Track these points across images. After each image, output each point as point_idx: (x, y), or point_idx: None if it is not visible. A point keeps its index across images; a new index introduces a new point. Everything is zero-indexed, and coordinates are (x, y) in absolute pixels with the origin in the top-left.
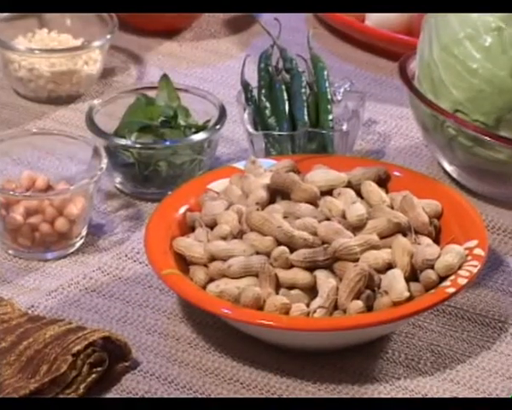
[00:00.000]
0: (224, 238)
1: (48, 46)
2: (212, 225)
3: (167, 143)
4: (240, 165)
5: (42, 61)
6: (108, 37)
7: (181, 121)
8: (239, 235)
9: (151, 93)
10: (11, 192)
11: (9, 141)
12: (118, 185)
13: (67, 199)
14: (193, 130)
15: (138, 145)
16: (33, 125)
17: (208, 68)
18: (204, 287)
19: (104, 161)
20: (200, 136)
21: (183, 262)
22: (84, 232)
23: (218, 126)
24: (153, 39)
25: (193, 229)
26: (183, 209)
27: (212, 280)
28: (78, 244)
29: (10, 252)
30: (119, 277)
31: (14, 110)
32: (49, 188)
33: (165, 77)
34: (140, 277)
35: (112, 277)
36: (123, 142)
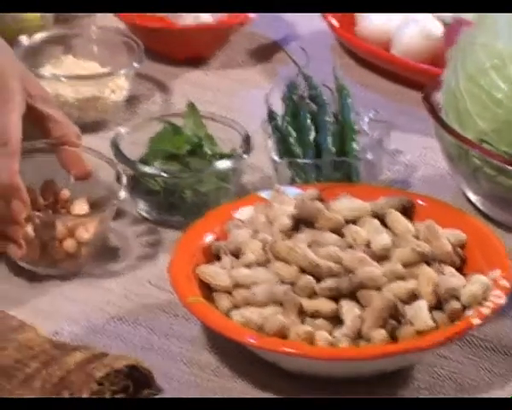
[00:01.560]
0: (249, 266)
1: (74, 73)
2: (236, 253)
3: (193, 171)
4: (265, 193)
5: (67, 87)
6: (135, 64)
7: (207, 150)
8: (263, 263)
9: (177, 121)
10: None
11: (35, 153)
12: (143, 212)
13: (80, 221)
14: (218, 158)
15: (164, 173)
16: None
17: (234, 97)
18: (228, 315)
19: (123, 193)
20: (226, 164)
21: (208, 290)
22: (95, 256)
23: (243, 155)
24: (179, 67)
25: (217, 257)
26: (207, 237)
27: (236, 308)
28: (97, 269)
29: (21, 265)
30: (144, 304)
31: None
32: (68, 202)
33: (191, 105)
34: (164, 304)
35: (136, 304)
36: (149, 170)
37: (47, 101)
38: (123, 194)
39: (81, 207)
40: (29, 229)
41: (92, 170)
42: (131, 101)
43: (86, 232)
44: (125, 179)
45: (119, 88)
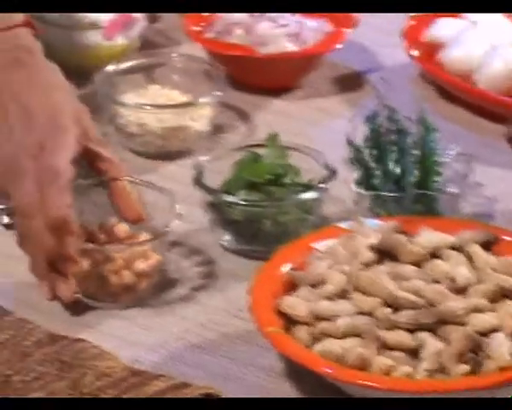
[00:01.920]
0: (329, 298)
1: (156, 102)
2: (317, 285)
3: (274, 201)
4: (346, 225)
5: (151, 116)
6: (217, 93)
7: (288, 180)
8: (343, 295)
9: (259, 151)
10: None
11: (93, 188)
12: (223, 242)
13: (137, 253)
14: (300, 189)
15: (245, 203)
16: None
17: (316, 127)
18: (307, 346)
19: (177, 222)
20: (308, 195)
21: (287, 321)
22: (155, 287)
23: (325, 186)
24: (262, 97)
25: (298, 288)
26: (288, 268)
27: (315, 340)
28: (172, 298)
29: (79, 296)
30: (223, 333)
31: (123, 164)
32: (129, 237)
33: (273, 135)
34: (243, 333)
35: (215, 333)
36: (230, 199)
37: (101, 142)
38: (177, 223)
39: (145, 238)
40: (85, 263)
41: (145, 213)
42: (214, 130)
43: (144, 263)
44: (179, 209)
45: (202, 117)
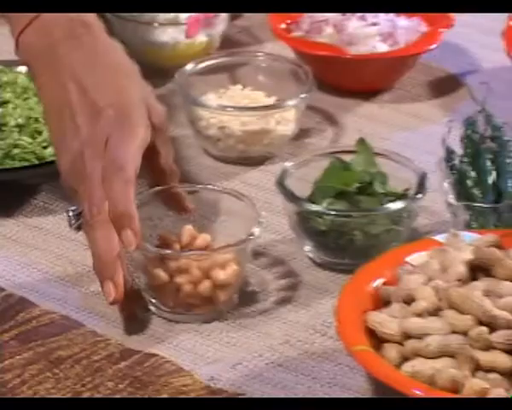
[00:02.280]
0: (420, 315)
1: (239, 104)
2: (407, 301)
3: (363, 211)
4: (439, 237)
5: (233, 119)
6: (304, 96)
7: (378, 188)
8: (436, 312)
9: (347, 157)
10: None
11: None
12: (308, 253)
13: (216, 262)
14: (391, 198)
15: (332, 212)
16: (220, 186)
17: (408, 133)
18: (397, 366)
19: (258, 229)
20: (399, 205)
21: (376, 339)
22: (234, 300)
23: (418, 195)
24: (351, 100)
25: (387, 303)
26: (377, 282)
27: (405, 359)
28: (253, 312)
29: (153, 309)
30: (307, 351)
31: (201, 169)
32: (208, 246)
33: (362, 141)
34: (329, 352)
35: (298, 350)
36: (316, 208)
37: (162, 132)
38: (257, 231)
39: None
40: (162, 274)
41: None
42: (299, 134)
43: (223, 273)
44: (261, 218)
45: (287, 120)
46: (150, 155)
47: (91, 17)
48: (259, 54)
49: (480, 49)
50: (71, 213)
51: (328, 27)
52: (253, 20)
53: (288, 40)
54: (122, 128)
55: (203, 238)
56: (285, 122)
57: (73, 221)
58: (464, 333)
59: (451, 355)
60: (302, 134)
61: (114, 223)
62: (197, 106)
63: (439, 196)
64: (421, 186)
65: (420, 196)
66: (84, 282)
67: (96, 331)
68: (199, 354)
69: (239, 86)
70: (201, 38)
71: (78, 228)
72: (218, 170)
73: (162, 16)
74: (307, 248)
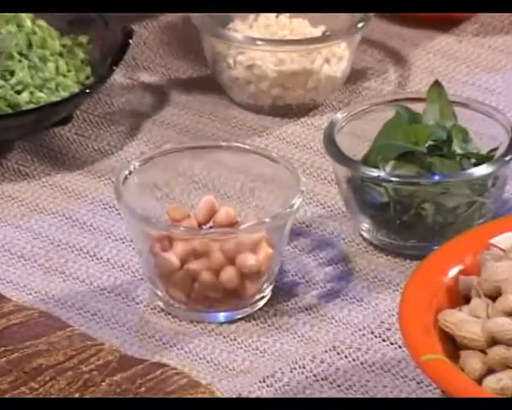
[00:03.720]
0: (511, 314)
1: (275, 36)
2: (494, 296)
3: (437, 177)
4: None
5: (266, 55)
6: (360, 25)
7: (457, 148)
8: None
9: (416, 106)
10: (158, 225)
11: (188, 154)
12: (364, 233)
13: (244, 244)
14: (473, 161)
15: (396, 179)
16: (249, 144)
17: (497, 75)
18: (480, 380)
19: (298, 200)
20: (483, 170)
21: (453, 345)
22: (266, 293)
23: (508, 157)
24: (421, 31)
25: (468, 299)
26: (454, 271)
27: (491, 371)
28: (284, 311)
29: (160, 304)
30: (361, 361)
31: (225, 122)
32: (233, 223)
33: (436, 85)
34: (390, 362)
35: (351, 361)
36: (374, 173)
37: None
38: (298, 202)
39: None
40: (173, 258)
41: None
42: (354, 77)
43: (252, 257)
44: (302, 183)
45: (337, 58)
46: None
47: None
48: None
49: None
50: None
51: None
52: None
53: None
54: None
55: (226, 212)
56: (335, 61)
57: None
58: None
59: None
60: (358, 77)
61: None
62: (218, 38)
63: None
64: None
65: (511, 157)
66: (71, 268)
67: (85, 333)
68: (220, 365)
69: (274, 13)
70: None
71: None
72: (247, 123)
73: None
74: (363, 226)
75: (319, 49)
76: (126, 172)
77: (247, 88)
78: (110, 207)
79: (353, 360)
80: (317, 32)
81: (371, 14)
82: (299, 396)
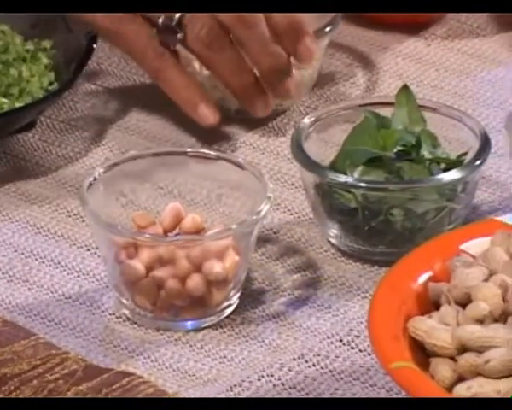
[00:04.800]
0: (481, 321)
1: None
2: (464, 302)
3: (405, 182)
4: (506, 218)
5: None
6: (327, 29)
7: (426, 153)
8: (502, 318)
9: (384, 111)
10: (123, 231)
11: (154, 161)
12: (332, 239)
13: (210, 251)
14: (442, 166)
15: (364, 184)
16: (215, 150)
17: (467, 79)
18: (450, 388)
19: (266, 206)
20: (453, 175)
21: (422, 352)
22: (233, 300)
23: (478, 162)
24: (390, 35)
25: (438, 306)
26: (423, 278)
27: (461, 379)
28: (259, 315)
29: (125, 312)
30: (330, 369)
31: (191, 128)
32: (199, 230)
33: (405, 89)
34: (359, 370)
35: (319, 369)
36: (342, 178)
37: None
38: (265, 210)
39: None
40: (138, 265)
41: None
42: (321, 81)
43: (218, 265)
44: (268, 187)
45: None
46: None
47: None
48: None
49: None
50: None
51: None
52: None
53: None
54: None
55: (192, 219)
56: (302, 64)
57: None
58: None
59: None
60: (325, 80)
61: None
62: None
63: (507, 163)
64: (483, 150)
65: (481, 162)
66: (35, 276)
67: (50, 342)
68: (187, 373)
69: None
70: None
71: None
72: (211, 130)
73: None
74: (331, 232)
75: None
76: (91, 179)
77: (213, 93)
78: (75, 214)
79: (322, 367)
80: None
81: (339, 17)
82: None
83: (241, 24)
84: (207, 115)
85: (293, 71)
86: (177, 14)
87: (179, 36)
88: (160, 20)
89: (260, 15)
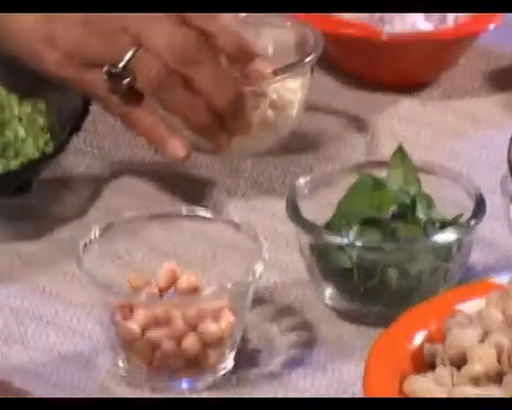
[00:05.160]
0: (477, 382)
1: None
2: (459, 363)
3: (401, 243)
4: (501, 279)
5: None
6: (307, 60)
7: (420, 214)
8: (497, 378)
9: (380, 172)
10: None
11: (149, 221)
12: (327, 299)
13: (205, 311)
14: (437, 226)
15: (359, 244)
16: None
17: (462, 140)
18: None
19: (261, 267)
20: (448, 235)
21: None
22: (229, 360)
23: (473, 223)
24: (385, 96)
25: (433, 366)
26: (419, 338)
27: None
28: (255, 375)
29: (121, 372)
30: None
31: (186, 186)
32: (194, 289)
33: (400, 150)
34: None
35: None
36: (338, 239)
37: None
38: (260, 270)
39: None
40: (134, 326)
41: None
42: (317, 142)
43: (214, 325)
44: (264, 253)
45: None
46: None
47: None
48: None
49: None
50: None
51: None
52: None
53: (305, 17)
54: None
55: (188, 279)
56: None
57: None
58: None
59: None
60: (320, 142)
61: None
62: None
63: (502, 225)
64: (478, 211)
65: (476, 223)
66: (31, 336)
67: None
68: None
69: None
70: None
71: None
72: (207, 185)
73: None
74: (327, 292)
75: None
76: (87, 240)
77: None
78: (70, 274)
79: None
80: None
81: (332, 76)
82: None
83: (187, 63)
84: (178, 148)
85: (270, 111)
86: (122, 62)
87: (126, 81)
88: (104, 69)
89: (206, 50)
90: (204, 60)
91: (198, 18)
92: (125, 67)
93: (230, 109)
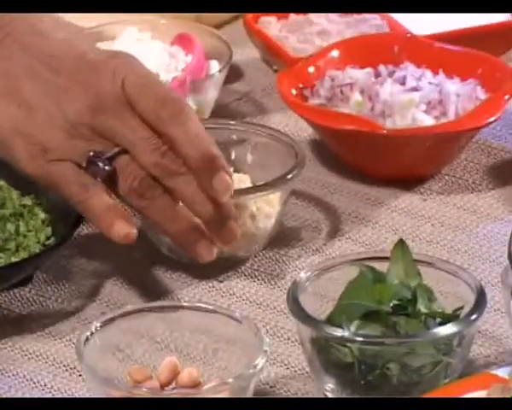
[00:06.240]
0: None
1: None
2: None
3: (401, 337)
4: (503, 372)
5: None
6: (289, 177)
7: (421, 307)
8: None
9: (380, 265)
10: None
11: (150, 315)
12: (328, 393)
13: None
14: (438, 320)
15: (360, 339)
16: (211, 304)
17: (463, 234)
18: None
19: (262, 360)
20: (449, 329)
21: None
22: None
23: (473, 316)
24: (386, 190)
25: None
26: None
27: None
28: None
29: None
30: None
31: (180, 277)
32: (195, 384)
33: (400, 244)
34: None
35: None
36: (339, 333)
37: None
38: (261, 364)
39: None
40: None
41: None
42: (316, 234)
43: None
44: (265, 341)
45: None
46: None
47: None
48: (259, 128)
49: None
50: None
51: (354, 93)
52: (254, 82)
53: (302, 110)
54: None
55: (189, 373)
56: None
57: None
58: None
59: None
60: (320, 235)
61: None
62: None
63: (503, 318)
64: (479, 304)
65: (477, 317)
66: None
67: None
68: None
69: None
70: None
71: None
72: (206, 279)
73: None
74: (328, 386)
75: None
76: (88, 333)
77: None
78: (71, 368)
79: None
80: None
81: (331, 169)
82: None
83: (168, 174)
84: (122, 230)
85: (250, 222)
86: (109, 153)
87: (107, 168)
88: (91, 153)
89: (181, 161)
90: (181, 171)
91: (166, 124)
92: (110, 157)
93: (212, 220)
